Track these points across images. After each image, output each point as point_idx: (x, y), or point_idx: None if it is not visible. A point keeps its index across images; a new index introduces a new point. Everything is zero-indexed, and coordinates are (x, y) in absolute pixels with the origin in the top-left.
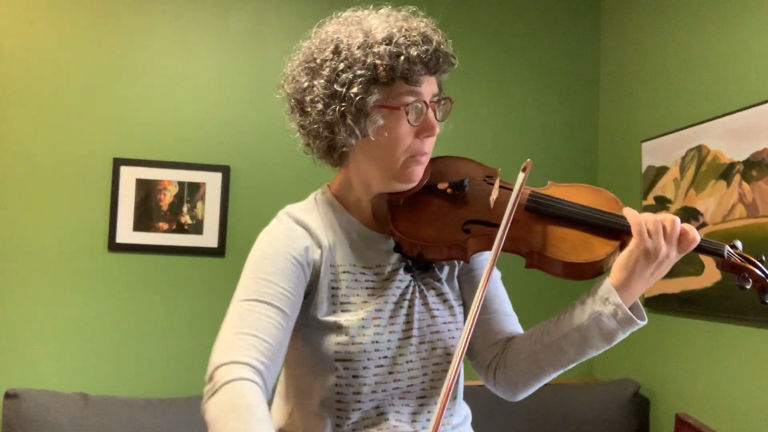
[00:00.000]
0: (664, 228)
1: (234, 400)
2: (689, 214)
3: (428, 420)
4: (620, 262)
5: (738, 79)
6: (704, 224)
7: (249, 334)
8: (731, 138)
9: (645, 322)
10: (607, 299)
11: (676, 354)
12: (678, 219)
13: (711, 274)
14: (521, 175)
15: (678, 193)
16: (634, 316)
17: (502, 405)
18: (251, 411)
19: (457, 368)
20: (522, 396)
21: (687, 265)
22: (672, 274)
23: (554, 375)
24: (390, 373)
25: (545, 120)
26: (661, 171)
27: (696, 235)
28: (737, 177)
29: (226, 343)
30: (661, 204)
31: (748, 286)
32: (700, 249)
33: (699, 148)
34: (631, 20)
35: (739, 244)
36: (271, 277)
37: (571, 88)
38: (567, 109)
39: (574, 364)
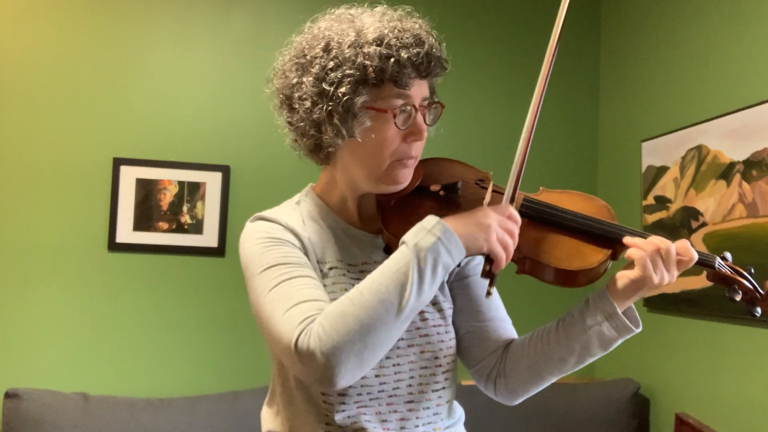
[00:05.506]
0: (661, 258)
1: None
2: (689, 214)
3: (417, 426)
4: (623, 285)
5: (738, 79)
6: (704, 224)
7: (300, 302)
8: (731, 138)
9: (640, 329)
10: (610, 314)
11: (676, 354)
12: (672, 245)
13: None
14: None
15: (678, 193)
16: (632, 326)
17: (501, 405)
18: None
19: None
20: (519, 401)
21: None
22: None
23: (552, 381)
24: (376, 375)
25: (545, 120)
26: (661, 171)
27: (693, 254)
28: (737, 177)
29: (285, 321)
30: (661, 203)
31: (738, 298)
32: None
33: (699, 147)
34: (631, 20)
35: (728, 255)
36: (284, 258)
37: (571, 88)
38: (567, 109)
39: (571, 372)
